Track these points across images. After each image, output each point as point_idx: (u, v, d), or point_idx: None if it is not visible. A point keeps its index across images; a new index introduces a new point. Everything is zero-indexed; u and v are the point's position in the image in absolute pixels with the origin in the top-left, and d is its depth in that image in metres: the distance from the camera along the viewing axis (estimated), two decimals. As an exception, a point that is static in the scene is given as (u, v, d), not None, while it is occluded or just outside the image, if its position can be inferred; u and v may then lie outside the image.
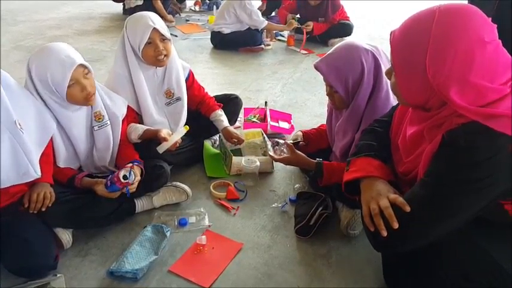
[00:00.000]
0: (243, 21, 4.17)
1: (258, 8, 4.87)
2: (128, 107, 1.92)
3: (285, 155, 1.91)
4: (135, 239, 1.64)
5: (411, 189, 1.14)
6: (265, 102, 2.79)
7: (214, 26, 4.28)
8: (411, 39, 1.08)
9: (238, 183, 2.07)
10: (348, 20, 4.53)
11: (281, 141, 2.02)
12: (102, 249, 1.65)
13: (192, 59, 3.97)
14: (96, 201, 1.65)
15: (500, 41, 1.04)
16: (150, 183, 1.81)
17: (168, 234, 1.67)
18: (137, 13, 1.95)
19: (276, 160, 1.96)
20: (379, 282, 1.50)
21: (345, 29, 4.47)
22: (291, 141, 1.95)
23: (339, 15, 4.43)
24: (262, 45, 4.35)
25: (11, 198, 1.49)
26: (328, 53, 1.68)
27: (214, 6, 5.62)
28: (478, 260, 1.13)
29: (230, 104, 2.41)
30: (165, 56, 1.91)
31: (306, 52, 4.32)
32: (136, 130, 1.89)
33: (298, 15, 4.60)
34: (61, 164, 1.70)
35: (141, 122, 2.01)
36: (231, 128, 2.25)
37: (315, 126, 2.16)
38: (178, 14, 5.67)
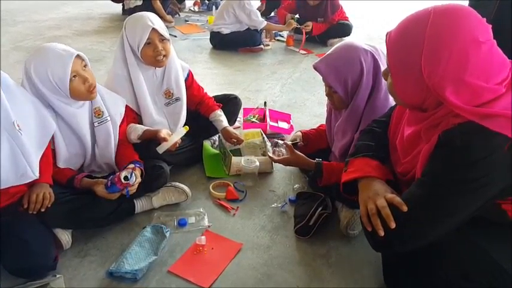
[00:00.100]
0: (242, 22, 4.17)
1: (257, 8, 4.87)
2: (128, 107, 1.92)
3: (284, 156, 1.92)
4: (135, 239, 1.64)
5: (408, 189, 1.15)
6: (265, 103, 2.79)
7: (214, 26, 4.29)
8: (407, 40, 1.09)
9: (238, 184, 2.07)
10: (347, 20, 4.53)
11: (280, 141, 2.02)
12: (102, 249, 1.65)
13: (191, 59, 3.97)
14: (96, 201, 1.65)
15: (495, 41, 1.05)
16: (149, 184, 1.81)
17: (167, 234, 1.67)
18: (136, 13, 1.95)
19: (276, 161, 1.96)
20: (379, 282, 1.50)
21: (344, 29, 4.48)
22: (290, 142, 1.95)
23: (338, 15, 4.43)
24: (262, 46, 4.35)
25: (11, 198, 1.49)
26: (327, 53, 1.68)
27: (214, 7, 5.63)
28: (477, 260, 1.13)
29: (229, 104, 2.41)
30: (164, 56, 1.91)
31: (305, 52, 4.33)
32: (136, 130, 1.89)
33: (297, 16, 4.60)
34: (61, 164, 1.70)
35: (140, 122, 2.01)
36: (231, 128, 2.24)
37: (314, 127, 2.16)
38: (177, 15, 5.67)
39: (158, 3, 5.03)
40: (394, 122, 1.39)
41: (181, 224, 1.77)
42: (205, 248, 1.65)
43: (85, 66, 1.64)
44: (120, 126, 1.84)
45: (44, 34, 4.71)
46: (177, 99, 2.08)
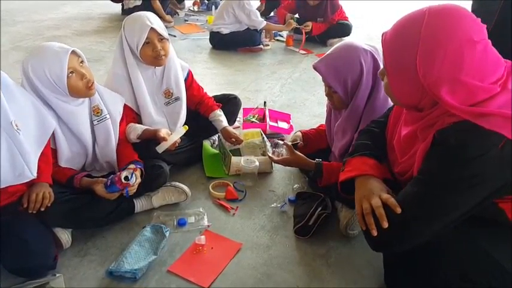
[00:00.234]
0: (241, 22, 4.17)
1: (257, 8, 4.87)
2: (127, 107, 1.92)
3: (284, 156, 1.92)
4: (134, 239, 1.64)
5: (405, 187, 1.15)
6: (264, 102, 2.80)
7: (213, 26, 4.29)
8: (402, 40, 1.10)
9: (238, 183, 2.07)
10: (347, 20, 4.53)
11: (280, 142, 2.03)
12: (101, 249, 1.65)
13: (191, 59, 3.97)
14: (96, 201, 1.65)
15: (489, 41, 1.06)
16: (149, 183, 1.81)
17: (167, 234, 1.67)
18: (134, 13, 1.95)
19: (275, 161, 1.96)
20: (379, 282, 1.50)
21: (344, 29, 4.48)
22: (290, 143, 1.95)
23: (338, 15, 4.43)
24: (261, 46, 4.35)
25: (10, 197, 1.49)
26: (327, 53, 1.68)
27: (213, 7, 5.62)
28: (477, 260, 1.13)
29: (229, 104, 2.41)
30: (163, 55, 1.91)
31: (304, 52, 4.33)
32: (136, 130, 1.89)
33: (297, 15, 4.60)
34: (63, 163, 1.70)
35: (140, 122, 2.01)
36: (230, 128, 2.24)
37: (314, 127, 2.16)
38: (176, 14, 5.67)
39: (157, 3, 5.02)
40: (391, 123, 1.40)
41: (181, 223, 1.77)
42: (205, 248, 1.65)
43: (82, 62, 1.64)
44: (119, 126, 1.84)
45: (43, 34, 4.71)
46: (177, 98, 2.08)
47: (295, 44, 4.49)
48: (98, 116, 1.75)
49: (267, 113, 2.66)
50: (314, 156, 1.81)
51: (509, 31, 2.02)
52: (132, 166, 1.68)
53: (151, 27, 1.85)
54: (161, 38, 1.90)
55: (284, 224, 1.82)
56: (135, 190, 1.67)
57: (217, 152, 2.32)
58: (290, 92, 3.32)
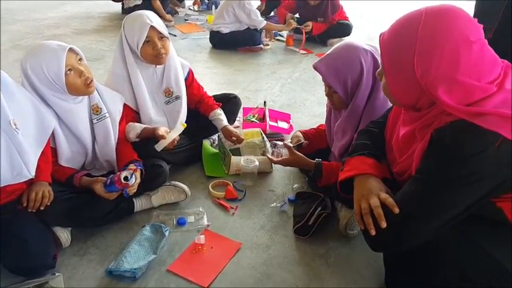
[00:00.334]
0: (242, 21, 4.17)
1: (257, 8, 4.87)
2: (127, 106, 1.92)
3: (284, 157, 1.91)
4: (134, 238, 1.64)
5: (403, 187, 1.16)
6: (264, 102, 2.79)
7: (213, 25, 4.28)
8: (399, 40, 1.11)
9: (237, 183, 2.07)
10: (347, 20, 4.53)
11: (279, 143, 2.02)
12: (101, 248, 1.64)
13: (191, 59, 3.95)
14: (95, 200, 1.64)
15: (486, 41, 1.06)
16: (149, 183, 1.81)
17: (166, 233, 1.66)
18: (134, 12, 1.95)
19: (275, 162, 1.96)
20: (378, 282, 1.50)
21: (344, 29, 4.48)
22: (294, 145, 1.94)
23: (338, 15, 4.43)
24: (261, 45, 4.35)
25: (9, 196, 1.49)
26: (327, 53, 1.68)
27: (213, 6, 5.63)
28: (476, 259, 1.13)
29: (229, 103, 2.41)
30: (163, 53, 1.91)
31: (305, 52, 4.33)
32: (135, 129, 1.89)
33: (297, 15, 4.60)
34: (63, 162, 1.70)
35: (140, 121, 2.01)
36: (230, 127, 2.24)
37: (314, 126, 2.16)
38: (177, 14, 5.67)
39: (158, 2, 5.02)
40: (390, 123, 1.41)
41: (181, 223, 1.77)
42: (205, 247, 1.65)
43: (80, 60, 1.63)
44: (119, 125, 1.84)
45: (43, 33, 4.70)
46: (177, 97, 2.08)
47: (295, 43, 4.49)
48: (97, 114, 1.74)
49: (267, 112, 2.66)
50: (314, 156, 1.81)
51: None
52: (132, 166, 1.68)
53: (152, 26, 1.85)
54: (161, 37, 1.90)
55: (284, 223, 1.82)
56: (134, 190, 1.67)
57: (217, 151, 2.32)
58: (290, 92, 3.32)
